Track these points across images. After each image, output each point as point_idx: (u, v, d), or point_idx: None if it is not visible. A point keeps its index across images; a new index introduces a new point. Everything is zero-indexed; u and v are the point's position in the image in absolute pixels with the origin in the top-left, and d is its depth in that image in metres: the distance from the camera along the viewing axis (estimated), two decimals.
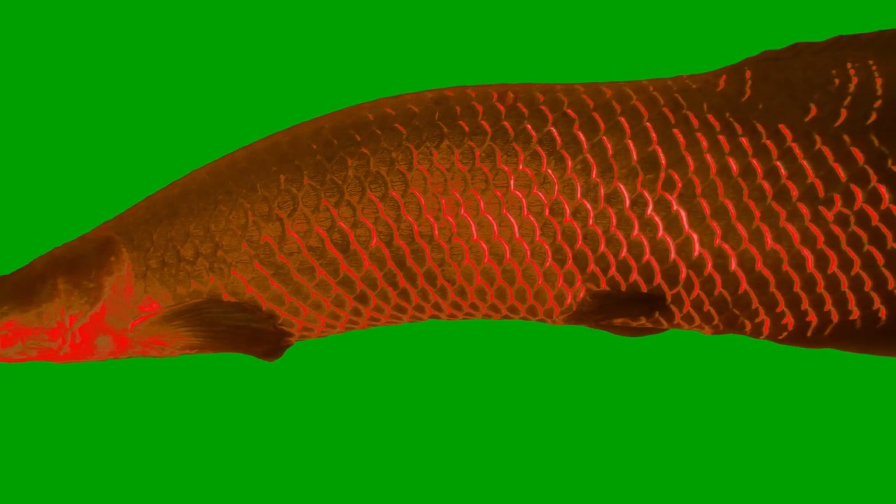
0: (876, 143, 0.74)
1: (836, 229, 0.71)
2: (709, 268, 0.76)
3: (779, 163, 0.75)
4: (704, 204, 0.76)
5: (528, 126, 0.79)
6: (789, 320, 0.76)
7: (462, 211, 0.78)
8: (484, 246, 0.79)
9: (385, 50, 0.97)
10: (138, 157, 0.97)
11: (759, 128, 0.76)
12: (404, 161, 0.79)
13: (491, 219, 0.78)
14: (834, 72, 0.75)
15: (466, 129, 0.79)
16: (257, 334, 0.81)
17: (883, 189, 0.73)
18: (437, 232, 0.79)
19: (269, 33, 0.99)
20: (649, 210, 0.76)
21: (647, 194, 0.76)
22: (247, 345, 0.82)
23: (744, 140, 0.76)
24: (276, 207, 0.80)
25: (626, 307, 0.78)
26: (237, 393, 0.88)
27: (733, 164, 0.75)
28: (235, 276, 0.80)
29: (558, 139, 0.78)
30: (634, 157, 0.77)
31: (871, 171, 0.74)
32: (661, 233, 0.76)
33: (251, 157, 0.83)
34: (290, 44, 0.98)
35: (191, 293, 0.81)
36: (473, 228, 0.79)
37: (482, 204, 0.78)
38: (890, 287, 0.75)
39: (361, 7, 0.97)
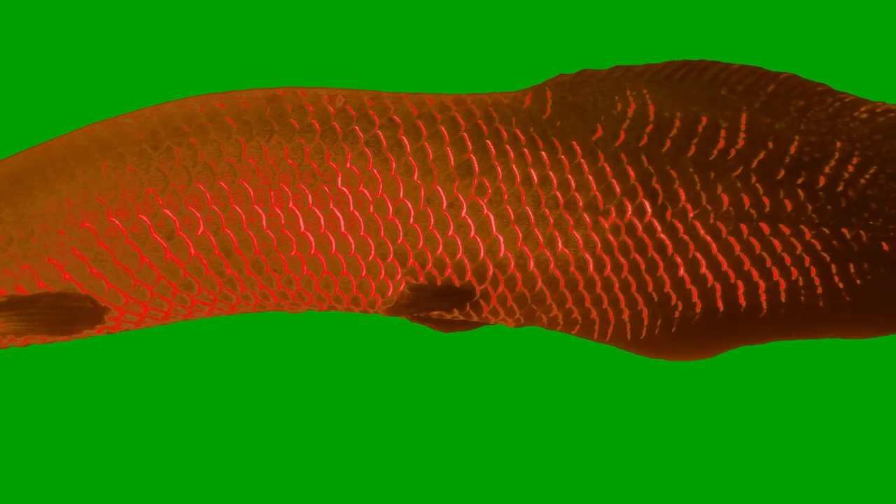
0: (645, 162, 0.83)
1: (611, 237, 0.76)
2: (511, 267, 0.81)
3: (570, 175, 0.81)
4: (510, 209, 0.81)
5: (357, 128, 0.79)
6: (577, 316, 0.83)
7: (291, 204, 0.78)
8: (311, 238, 0.79)
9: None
10: None
11: (556, 143, 0.81)
12: (234, 153, 0.77)
13: (319, 212, 0.79)
14: (616, 97, 0.83)
15: (297, 126, 0.79)
16: (74, 314, 0.77)
17: (647, 203, 0.80)
18: (265, 223, 0.78)
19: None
20: (463, 212, 0.80)
21: (462, 198, 0.81)
22: (64, 325, 0.77)
23: (543, 153, 0.81)
24: (96, 194, 0.76)
25: (442, 300, 0.82)
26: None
27: (534, 175, 0.81)
28: (51, 264, 0.75)
29: (384, 142, 0.80)
30: (452, 163, 0.81)
31: (639, 187, 0.83)
32: (472, 234, 0.81)
33: (70, 144, 0.77)
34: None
35: (3, 281, 0.75)
36: (301, 221, 0.79)
37: (310, 198, 0.79)
38: (649, 290, 0.85)
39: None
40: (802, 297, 0.74)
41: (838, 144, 0.74)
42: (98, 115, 0.78)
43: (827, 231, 0.73)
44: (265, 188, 0.73)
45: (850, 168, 0.73)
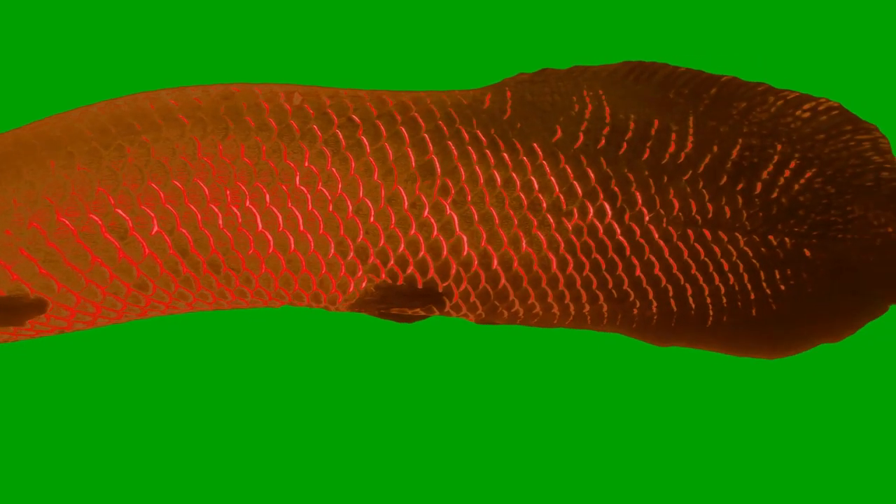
0: (604, 165, 0.82)
1: (574, 238, 0.76)
2: (475, 265, 0.79)
3: (533, 177, 0.80)
4: (473, 210, 0.79)
5: (315, 127, 0.77)
6: (539, 311, 0.82)
7: (248, 203, 0.75)
8: (269, 237, 0.76)
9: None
10: None
11: (518, 145, 0.80)
12: (188, 152, 0.75)
13: (276, 211, 0.76)
14: (574, 98, 0.82)
15: (252, 125, 0.76)
16: (13, 303, 0.73)
17: (608, 206, 0.81)
18: (221, 221, 0.75)
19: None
20: (426, 212, 0.78)
21: (424, 198, 0.78)
22: (6, 314, 0.73)
23: (505, 155, 0.80)
24: (44, 193, 0.73)
25: (404, 297, 0.80)
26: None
27: (497, 176, 0.79)
28: None
29: (343, 141, 0.77)
30: (413, 163, 0.79)
31: (599, 190, 0.82)
32: (435, 233, 0.79)
33: (15, 142, 0.73)
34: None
35: None
36: (259, 220, 0.76)
37: (268, 197, 0.76)
38: (609, 287, 0.83)
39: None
40: (739, 303, 0.75)
41: (778, 147, 0.75)
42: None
43: (757, 238, 0.74)
44: (221, 187, 0.70)
45: (787, 173, 0.74)
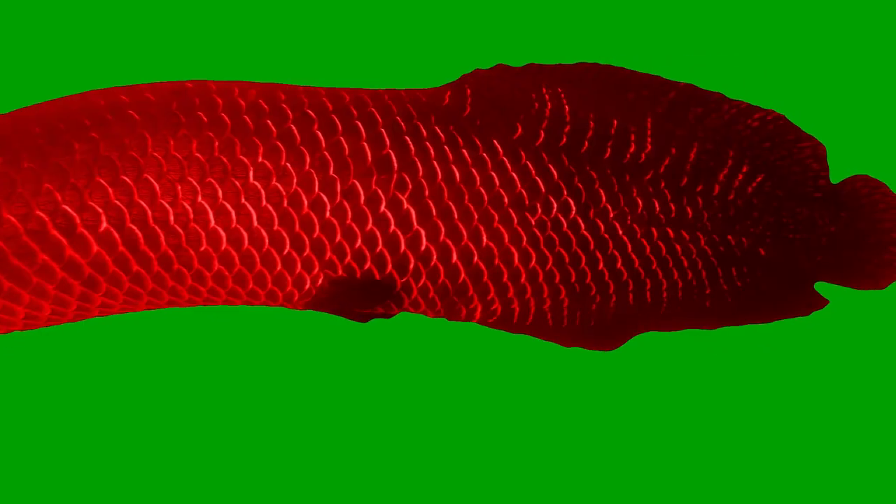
0: (566, 162, 0.80)
1: (537, 232, 0.75)
2: (434, 260, 0.77)
3: (493, 173, 0.78)
4: (432, 204, 0.76)
5: (269, 122, 0.75)
6: (497, 307, 0.79)
7: (200, 198, 0.73)
8: (222, 233, 0.73)
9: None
10: None
11: (477, 141, 0.78)
12: (137, 147, 0.72)
13: (230, 207, 0.73)
14: (534, 96, 0.80)
15: (205, 120, 0.74)
16: None
17: (571, 202, 0.79)
18: (172, 218, 0.72)
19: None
20: (383, 207, 0.75)
21: (381, 192, 0.76)
22: None
23: (465, 151, 0.77)
24: None
25: (362, 293, 0.76)
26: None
27: (457, 172, 0.77)
28: None
29: (298, 136, 0.75)
30: (370, 158, 0.76)
31: (563, 186, 0.80)
32: (392, 227, 0.76)
33: None
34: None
35: None
36: (211, 215, 0.73)
37: (220, 192, 0.73)
38: (572, 281, 0.81)
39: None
40: (695, 297, 0.77)
41: (731, 153, 0.79)
42: None
43: (717, 238, 0.76)
44: (172, 182, 0.68)
45: (741, 176, 0.76)
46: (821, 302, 0.76)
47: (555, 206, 0.74)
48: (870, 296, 0.78)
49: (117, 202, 0.67)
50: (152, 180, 0.68)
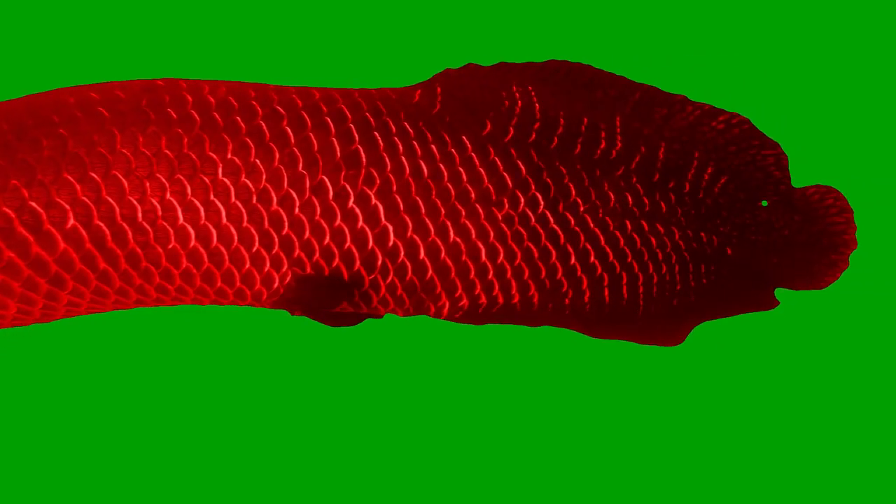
0: (535, 158, 0.80)
1: (504, 227, 0.75)
2: (401, 256, 0.76)
3: (461, 168, 0.77)
4: (399, 200, 0.76)
5: (238, 118, 0.74)
6: (465, 302, 0.79)
7: (168, 195, 0.72)
8: (191, 230, 0.73)
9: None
10: None
11: (446, 137, 0.78)
12: (106, 143, 0.72)
13: (198, 204, 0.73)
14: (504, 94, 0.80)
15: (175, 116, 0.74)
16: None
17: (540, 196, 0.79)
18: (140, 215, 0.72)
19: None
20: (351, 202, 0.75)
21: (349, 188, 0.75)
22: None
23: (433, 147, 0.77)
24: None
25: (330, 291, 0.76)
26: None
27: (424, 167, 0.77)
28: None
29: (267, 132, 0.75)
30: (338, 153, 0.76)
31: (531, 181, 0.80)
32: (361, 223, 0.76)
33: None
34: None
35: None
36: (180, 212, 0.73)
37: (189, 189, 0.73)
38: (542, 276, 0.81)
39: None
40: (667, 293, 0.76)
41: (696, 154, 0.79)
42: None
43: (690, 234, 0.76)
44: (140, 179, 0.67)
45: (706, 177, 0.77)
46: (772, 302, 0.76)
47: (522, 200, 0.74)
48: (812, 296, 0.79)
49: (85, 199, 0.67)
50: (120, 177, 0.67)
